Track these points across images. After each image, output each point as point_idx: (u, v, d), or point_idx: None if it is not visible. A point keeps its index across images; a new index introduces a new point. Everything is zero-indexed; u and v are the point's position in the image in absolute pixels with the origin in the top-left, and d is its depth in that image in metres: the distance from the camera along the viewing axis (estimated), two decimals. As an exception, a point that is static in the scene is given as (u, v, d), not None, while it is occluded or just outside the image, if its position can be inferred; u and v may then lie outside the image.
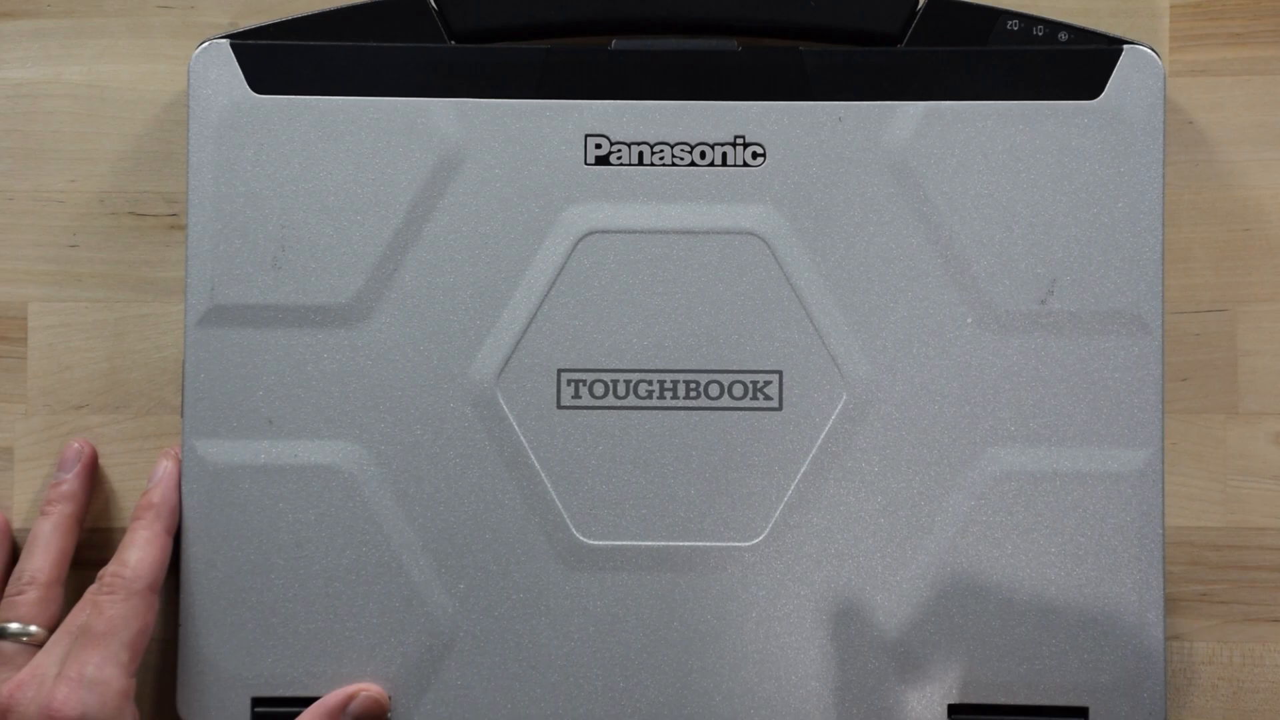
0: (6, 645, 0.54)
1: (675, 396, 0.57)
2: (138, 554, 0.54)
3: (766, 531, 0.56)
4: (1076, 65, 0.57)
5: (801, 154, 0.57)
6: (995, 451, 0.56)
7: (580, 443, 0.57)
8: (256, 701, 0.56)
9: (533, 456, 0.57)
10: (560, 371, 0.57)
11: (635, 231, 0.57)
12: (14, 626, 0.54)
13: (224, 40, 0.57)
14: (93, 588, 0.55)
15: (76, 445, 0.58)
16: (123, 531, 0.61)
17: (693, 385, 0.57)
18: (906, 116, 0.57)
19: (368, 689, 0.55)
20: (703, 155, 0.57)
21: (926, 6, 0.58)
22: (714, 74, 0.57)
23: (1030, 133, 0.57)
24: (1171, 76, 0.61)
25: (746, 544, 0.56)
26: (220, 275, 0.57)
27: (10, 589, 0.56)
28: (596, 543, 0.57)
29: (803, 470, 0.56)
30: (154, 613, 0.54)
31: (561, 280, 0.57)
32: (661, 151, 0.57)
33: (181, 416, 0.57)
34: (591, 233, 0.57)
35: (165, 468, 0.56)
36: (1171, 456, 0.60)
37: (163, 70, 0.62)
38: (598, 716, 0.56)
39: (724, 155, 0.57)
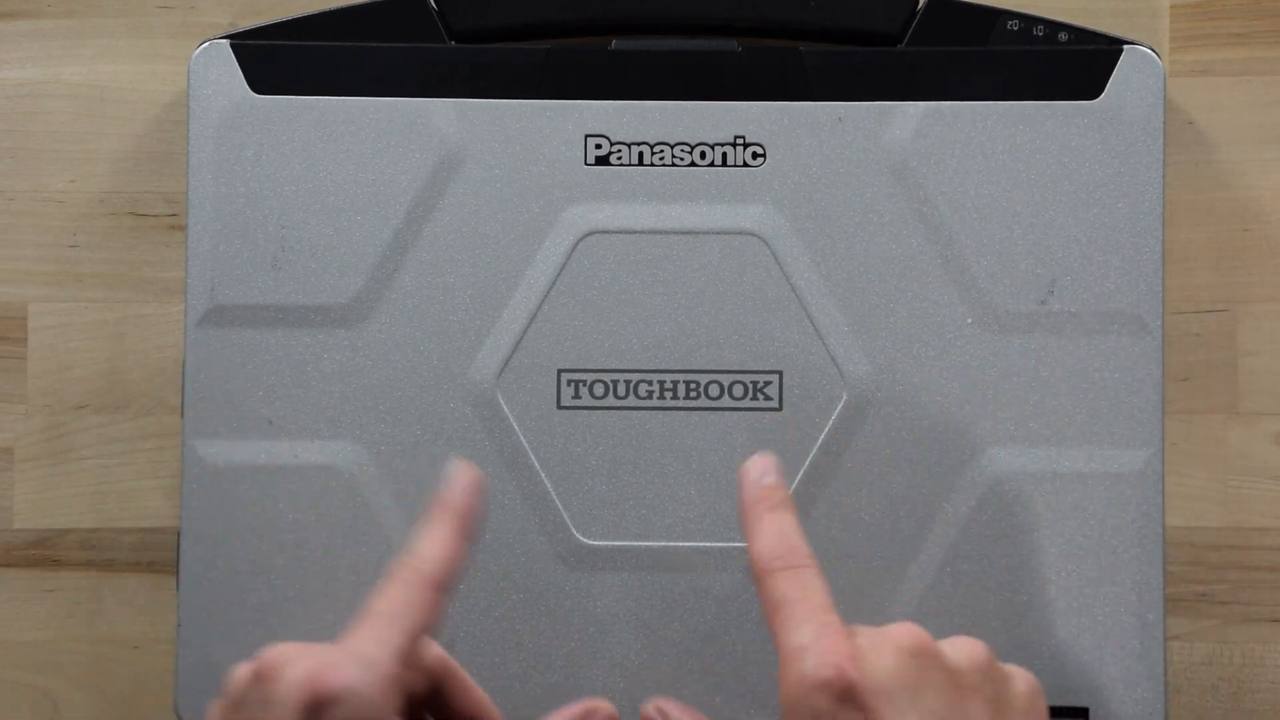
0: None
1: (675, 397, 0.57)
2: (429, 550, 0.49)
3: (766, 531, 0.56)
4: (1076, 65, 0.57)
5: (801, 154, 0.57)
6: (995, 452, 0.56)
7: (580, 443, 0.57)
8: (256, 701, 0.56)
9: (533, 457, 0.57)
10: (560, 372, 0.57)
11: (635, 232, 0.57)
12: None
13: (224, 40, 0.57)
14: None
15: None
16: (116, 532, 0.61)
17: (693, 385, 0.57)
18: (906, 117, 0.57)
19: (601, 706, 0.52)
20: (703, 155, 0.57)
21: (926, 6, 0.58)
22: (714, 74, 0.57)
23: (1030, 133, 0.57)
24: (1171, 76, 0.61)
25: (746, 545, 0.56)
26: (220, 275, 0.57)
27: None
28: (596, 543, 0.57)
29: (803, 470, 0.56)
30: (438, 614, 0.48)
31: (561, 280, 0.57)
32: (661, 152, 0.57)
33: (181, 416, 0.57)
34: (591, 233, 0.57)
35: (465, 470, 0.51)
36: (1171, 456, 0.60)
37: (163, 70, 0.62)
38: (598, 716, 0.56)
39: (724, 155, 0.57)
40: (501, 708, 0.56)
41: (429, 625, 0.48)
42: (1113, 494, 0.56)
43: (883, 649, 0.48)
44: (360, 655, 0.46)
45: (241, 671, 0.48)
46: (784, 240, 0.57)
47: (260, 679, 0.47)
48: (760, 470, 0.52)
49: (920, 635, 0.49)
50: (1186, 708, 0.61)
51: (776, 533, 0.50)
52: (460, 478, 0.51)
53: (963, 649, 0.49)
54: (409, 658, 0.47)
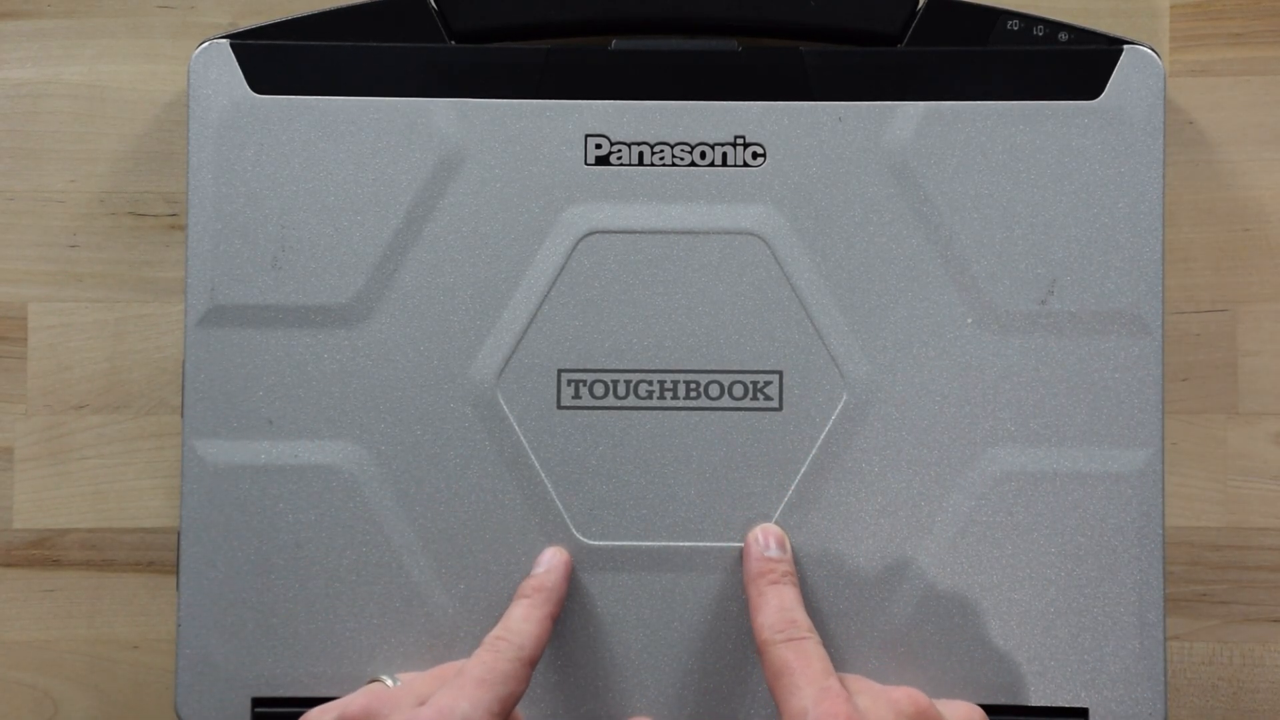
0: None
1: (675, 396, 0.57)
2: (526, 627, 0.53)
3: (766, 531, 0.56)
4: (1076, 65, 0.57)
5: (801, 154, 0.57)
6: (995, 451, 0.56)
7: (580, 443, 0.57)
8: (256, 702, 0.56)
9: (533, 456, 0.57)
10: (560, 372, 0.57)
11: (635, 231, 0.57)
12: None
13: (224, 40, 0.57)
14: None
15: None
16: (116, 532, 0.61)
17: (693, 385, 0.57)
18: (906, 116, 0.57)
19: None
20: (703, 155, 0.57)
21: (926, 6, 0.58)
22: (714, 74, 0.57)
23: (1030, 133, 0.57)
24: (1171, 76, 0.61)
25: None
26: (220, 275, 0.57)
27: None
28: (596, 543, 0.57)
29: (803, 470, 0.56)
30: (525, 688, 0.52)
31: (561, 280, 0.57)
32: (662, 151, 0.57)
33: (181, 416, 0.57)
34: (592, 233, 0.57)
35: (558, 554, 0.56)
36: (1171, 456, 0.60)
37: (163, 70, 0.62)
38: (598, 716, 0.56)
39: (724, 155, 0.57)
40: (501, 708, 0.56)
41: (519, 696, 0.51)
42: (1113, 494, 0.56)
43: (882, 711, 0.49)
44: (457, 713, 0.49)
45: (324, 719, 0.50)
46: (784, 240, 0.57)
47: None
48: (765, 542, 0.56)
49: (919, 699, 0.50)
50: (1186, 708, 0.61)
51: (778, 607, 0.53)
52: (553, 561, 0.56)
53: (959, 712, 0.51)
54: None
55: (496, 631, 0.53)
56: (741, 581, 0.56)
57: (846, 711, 0.48)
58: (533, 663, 0.52)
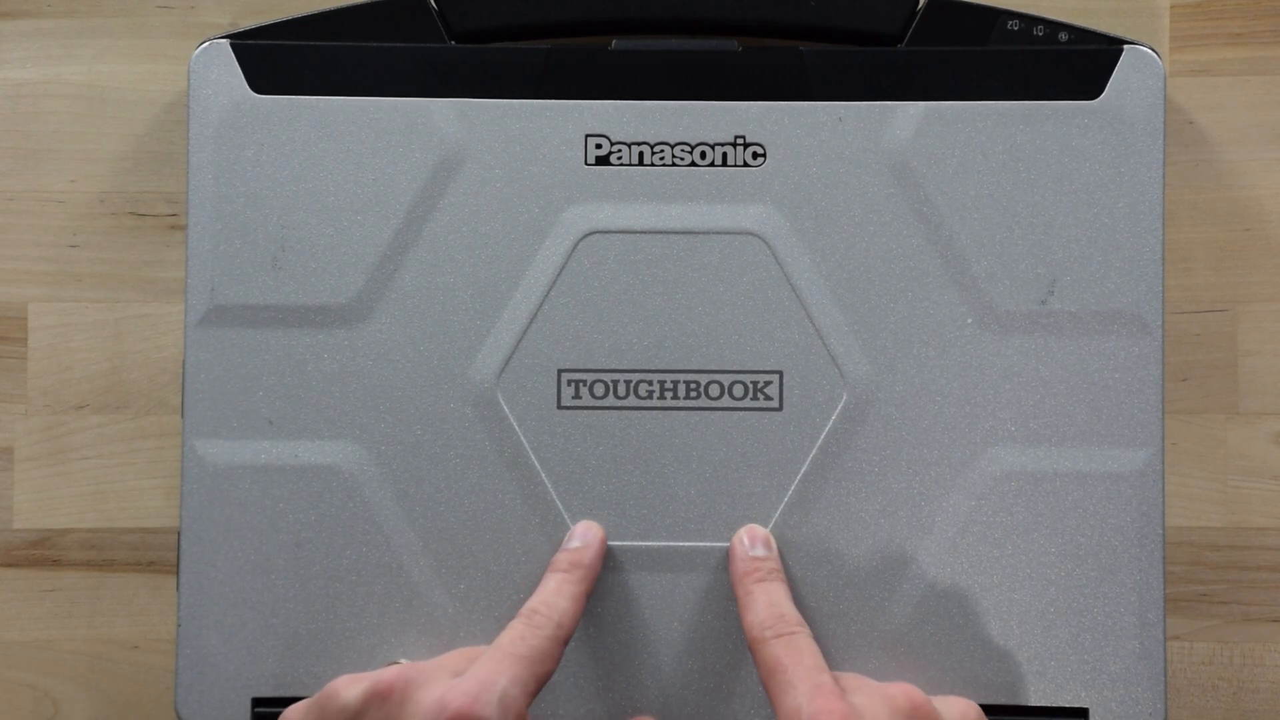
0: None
1: (675, 397, 0.57)
2: (561, 603, 0.53)
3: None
4: (1076, 65, 0.57)
5: (802, 154, 0.57)
6: (995, 451, 0.56)
7: (580, 443, 0.57)
8: (256, 702, 0.56)
9: (533, 457, 0.57)
10: (560, 372, 0.57)
11: (635, 231, 0.57)
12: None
13: (224, 40, 0.57)
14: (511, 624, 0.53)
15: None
16: (116, 532, 0.61)
17: (693, 385, 0.57)
18: (906, 116, 0.57)
19: None
20: (703, 155, 0.57)
21: (926, 6, 0.58)
22: (714, 74, 0.57)
23: (1030, 133, 0.57)
24: (1171, 76, 0.61)
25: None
26: (220, 275, 0.57)
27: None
28: (596, 543, 0.57)
29: (803, 470, 0.56)
30: (556, 668, 0.51)
31: (562, 280, 0.57)
32: (662, 151, 0.57)
33: (181, 416, 0.57)
34: (592, 233, 0.57)
35: (593, 529, 0.56)
36: (1171, 456, 0.60)
37: (163, 70, 0.62)
38: (598, 716, 0.56)
39: (724, 155, 0.57)
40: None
41: (550, 676, 0.51)
42: (1113, 494, 0.56)
43: (878, 708, 0.49)
44: (497, 688, 0.48)
45: (350, 689, 0.49)
46: (784, 240, 0.57)
47: (381, 698, 0.48)
48: (750, 542, 0.55)
49: (915, 695, 0.50)
50: (1186, 708, 0.61)
51: (766, 603, 0.53)
52: (589, 536, 0.55)
53: (956, 708, 0.51)
54: (532, 700, 0.49)
55: (531, 604, 0.52)
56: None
57: (841, 709, 0.48)
58: (566, 642, 0.52)
